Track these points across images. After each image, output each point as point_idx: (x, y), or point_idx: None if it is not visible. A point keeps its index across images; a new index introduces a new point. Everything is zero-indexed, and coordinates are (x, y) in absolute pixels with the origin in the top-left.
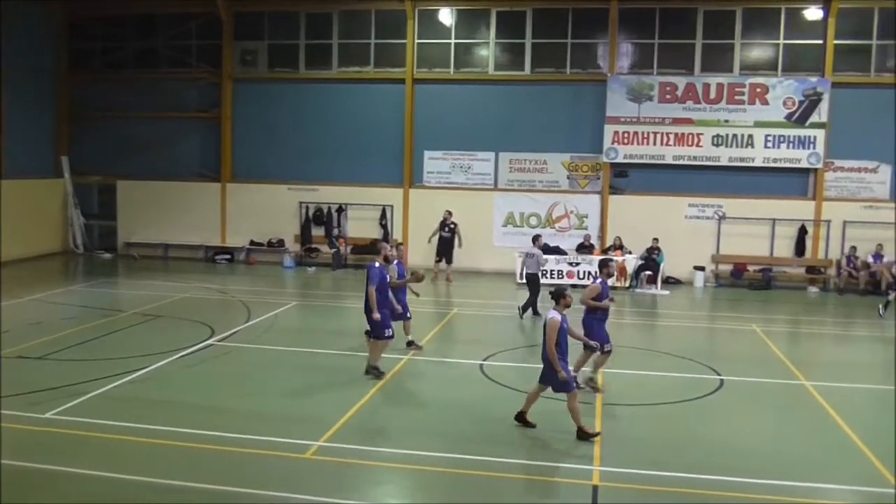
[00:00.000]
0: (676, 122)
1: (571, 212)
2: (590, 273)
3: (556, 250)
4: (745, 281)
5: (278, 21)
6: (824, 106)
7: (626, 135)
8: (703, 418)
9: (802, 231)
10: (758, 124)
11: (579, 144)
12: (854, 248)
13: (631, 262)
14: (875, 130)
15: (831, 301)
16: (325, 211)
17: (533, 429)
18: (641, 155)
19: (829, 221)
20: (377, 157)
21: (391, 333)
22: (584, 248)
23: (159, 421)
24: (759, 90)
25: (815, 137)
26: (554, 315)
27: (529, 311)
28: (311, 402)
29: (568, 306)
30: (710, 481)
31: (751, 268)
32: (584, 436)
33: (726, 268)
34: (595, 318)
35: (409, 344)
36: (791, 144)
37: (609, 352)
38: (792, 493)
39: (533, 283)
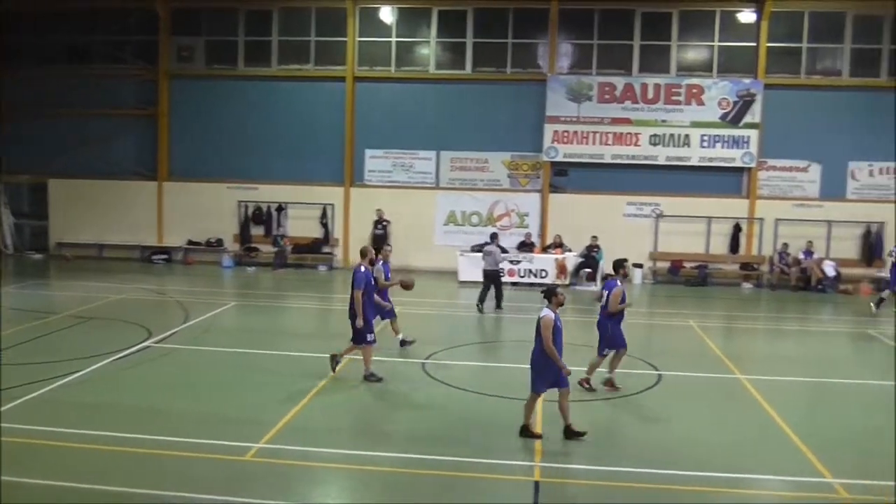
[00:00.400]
0: (615, 121)
1: (512, 210)
2: (530, 271)
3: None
4: (681, 278)
5: (216, 17)
6: (757, 107)
7: (565, 134)
8: (642, 412)
9: (737, 229)
10: (694, 124)
11: (520, 143)
12: (786, 246)
13: (570, 259)
14: (806, 131)
15: (764, 297)
16: (265, 210)
17: (539, 438)
18: (581, 154)
19: (762, 219)
20: (318, 155)
21: (373, 339)
22: (525, 246)
23: (96, 425)
24: (695, 91)
25: (748, 137)
26: (547, 313)
27: (494, 305)
28: (250, 403)
29: (560, 305)
30: (650, 474)
31: (687, 265)
32: (571, 434)
33: (664, 265)
34: (612, 319)
35: (402, 343)
36: (726, 144)
37: (605, 356)
38: (729, 484)
39: (491, 278)
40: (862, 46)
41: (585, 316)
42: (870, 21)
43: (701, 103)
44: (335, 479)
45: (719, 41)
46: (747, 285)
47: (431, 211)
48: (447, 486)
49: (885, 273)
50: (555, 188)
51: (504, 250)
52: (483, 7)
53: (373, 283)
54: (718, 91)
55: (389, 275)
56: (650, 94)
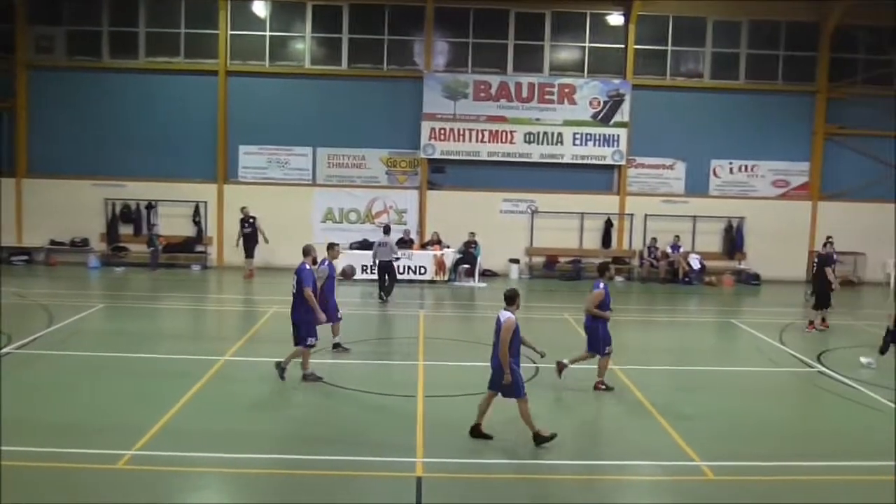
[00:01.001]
0: (491, 119)
1: (391, 207)
2: (409, 268)
3: None
4: (556, 272)
5: (78, 5)
6: (626, 106)
7: (442, 131)
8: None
9: (608, 224)
10: (566, 123)
11: (397, 140)
12: (654, 240)
13: (449, 256)
14: (672, 130)
15: (635, 289)
16: (134, 208)
17: (490, 440)
18: (458, 151)
19: (632, 215)
20: (189, 151)
21: (314, 342)
22: (404, 243)
23: None
24: (567, 90)
25: (618, 136)
26: (510, 316)
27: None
28: (121, 409)
29: (518, 308)
30: (527, 465)
31: (562, 259)
32: (541, 440)
33: (539, 260)
34: (600, 322)
35: (336, 346)
36: (597, 142)
37: (609, 353)
38: (604, 471)
39: (385, 269)
40: (722, 50)
41: (465, 311)
42: (729, 26)
43: (573, 102)
44: (213, 483)
45: (590, 42)
46: (619, 279)
47: (309, 208)
48: (327, 486)
49: (744, 265)
50: (432, 185)
51: (407, 242)
52: (359, 3)
53: (316, 282)
54: (589, 91)
55: (335, 273)
56: (524, 93)
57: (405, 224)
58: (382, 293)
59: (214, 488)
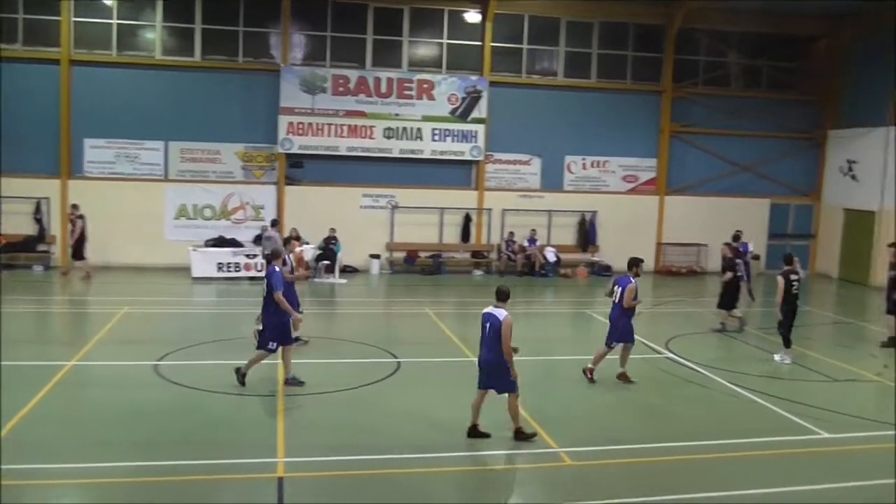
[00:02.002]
0: (350, 114)
1: (247, 203)
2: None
3: (233, 242)
4: (417, 267)
5: None
6: (484, 103)
7: (300, 126)
8: (384, 400)
9: (467, 219)
10: (425, 118)
11: (254, 135)
12: (512, 234)
13: (309, 252)
14: (528, 127)
15: (494, 282)
16: None
17: (488, 438)
18: (316, 146)
19: (490, 210)
20: (28, 144)
21: (275, 347)
22: (262, 239)
23: None
24: (425, 86)
25: (476, 132)
26: (507, 314)
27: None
28: None
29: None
30: (394, 460)
31: (422, 254)
32: (522, 437)
33: (400, 255)
34: (625, 314)
35: (295, 339)
36: (455, 138)
37: (631, 346)
38: (467, 462)
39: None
40: (574, 50)
41: (325, 308)
42: (581, 27)
43: (431, 98)
44: (64, 495)
45: (448, 39)
46: (478, 272)
47: (161, 205)
48: (186, 491)
49: (597, 257)
50: (290, 180)
51: (237, 244)
52: None
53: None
54: (448, 87)
55: (292, 267)
56: (383, 88)
57: (263, 220)
58: None
59: (67, 501)
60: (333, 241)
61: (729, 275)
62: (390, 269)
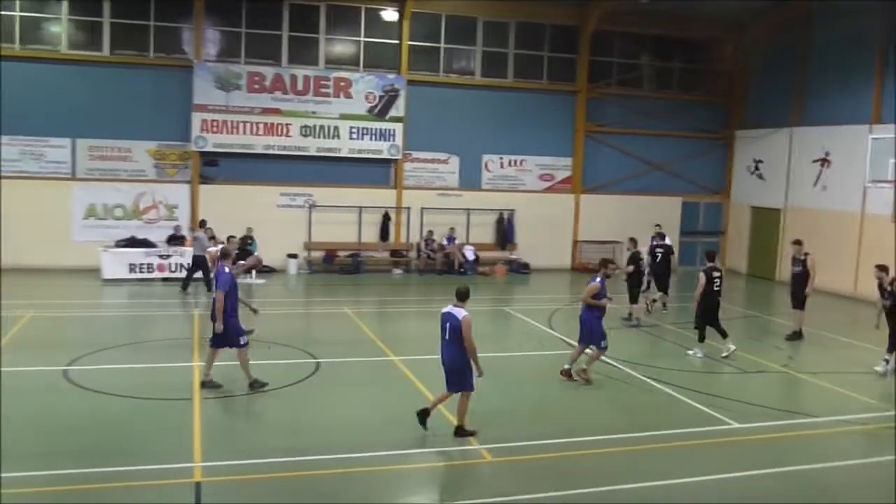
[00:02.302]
0: (265, 111)
1: (160, 202)
2: (182, 265)
3: (145, 243)
4: (336, 266)
5: None
6: (401, 101)
7: (215, 123)
8: (302, 402)
9: (386, 218)
10: (343, 117)
11: (166, 132)
12: (431, 232)
13: None
14: (446, 126)
15: (413, 281)
16: None
17: (472, 435)
18: (232, 144)
19: (409, 208)
20: None
21: (246, 341)
22: (176, 239)
23: None
24: (343, 84)
25: (394, 130)
26: (467, 314)
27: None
28: None
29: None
30: (314, 461)
31: (341, 253)
32: (463, 433)
33: (318, 254)
34: (594, 315)
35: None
36: (373, 136)
37: (605, 348)
38: (387, 461)
39: (197, 264)
40: (491, 49)
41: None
42: (498, 26)
43: (349, 96)
44: None
45: (365, 37)
46: (397, 271)
47: (68, 204)
48: (100, 500)
49: (515, 255)
50: (205, 179)
51: (150, 244)
52: None
53: (237, 284)
54: (365, 85)
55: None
56: (300, 86)
57: (176, 220)
58: (183, 289)
59: None
60: (250, 241)
61: (630, 268)
62: (308, 269)
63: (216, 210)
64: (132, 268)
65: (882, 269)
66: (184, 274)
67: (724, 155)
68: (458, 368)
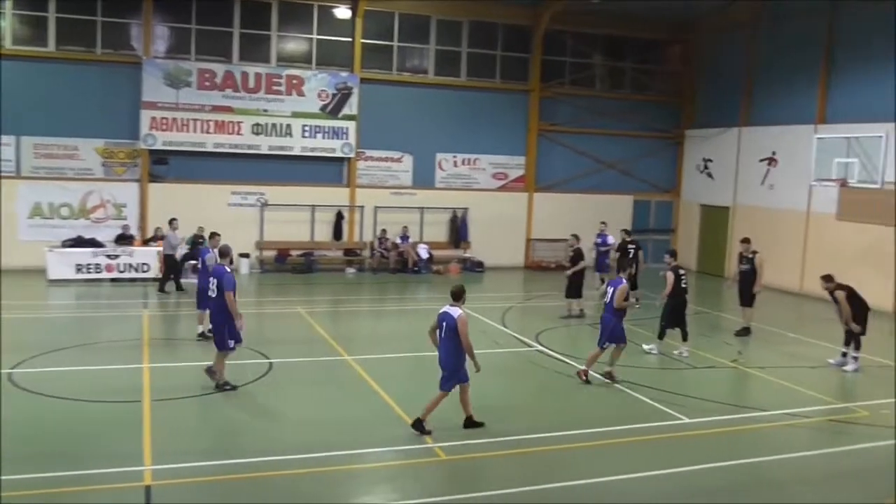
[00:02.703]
0: (216, 109)
1: (108, 201)
2: (131, 265)
3: (93, 243)
4: (288, 265)
5: None
6: (354, 99)
7: (164, 121)
8: (255, 402)
9: (339, 216)
10: (295, 115)
11: (114, 130)
12: (384, 231)
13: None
14: (399, 124)
15: (367, 280)
16: None
17: (482, 426)
18: (182, 142)
19: (362, 207)
20: None
21: (234, 346)
22: (124, 239)
23: None
24: (295, 82)
25: (347, 129)
26: (461, 313)
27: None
28: None
29: (464, 303)
30: (266, 462)
31: (294, 252)
32: (472, 424)
33: (271, 253)
34: (617, 315)
35: (202, 336)
36: (326, 135)
37: (624, 346)
38: (342, 461)
39: (167, 263)
40: (445, 48)
41: (193, 309)
42: (451, 25)
43: (301, 94)
44: None
45: (318, 35)
46: (351, 270)
47: (12, 203)
48: None
49: (469, 254)
50: (154, 177)
51: (98, 244)
52: None
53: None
54: (318, 83)
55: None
56: (251, 83)
57: (125, 219)
58: (161, 289)
59: None
60: (201, 241)
61: (581, 265)
62: (260, 268)
63: (166, 209)
64: (79, 268)
65: (828, 279)
66: (133, 275)
67: (674, 154)
68: (453, 365)
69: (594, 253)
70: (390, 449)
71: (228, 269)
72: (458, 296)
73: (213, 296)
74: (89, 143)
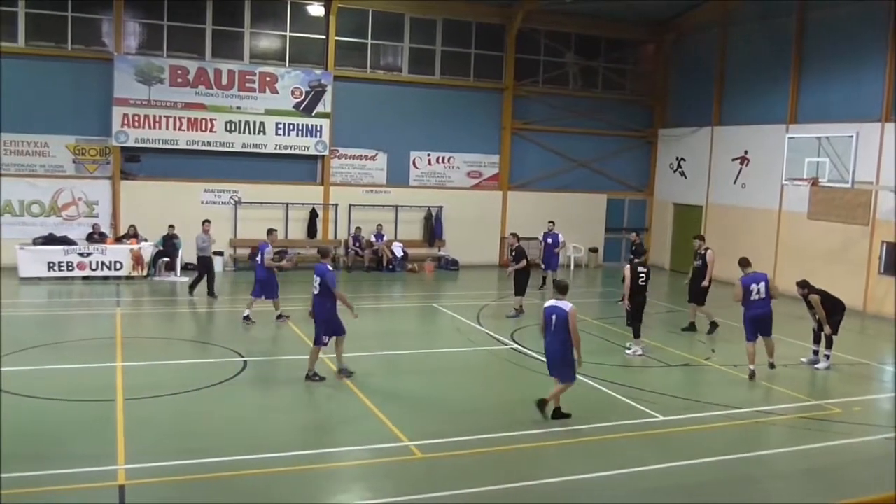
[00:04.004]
0: (189, 106)
1: (80, 198)
2: (103, 263)
3: (64, 240)
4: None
5: None
6: (328, 97)
7: (136, 118)
8: (229, 401)
9: (313, 214)
10: (269, 112)
11: (85, 127)
12: (359, 229)
13: (148, 249)
14: (373, 122)
15: (341, 278)
16: None
17: (569, 417)
18: (154, 139)
19: (336, 205)
20: None
21: (327, 341)
22: (96, 237)
23: None
24: (268, 79)
25: (321, 126)
26: (572, 306)
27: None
28: None
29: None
30: (240, 461)
31: None
32: (560, 416)
33: (244, 251)
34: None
35: (279, 317)
36: (300, 132)
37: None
38: (317, 460)
39: (200, 266)
40: (419, 46)
41: (166, 308)
42: (425, 23)
43: (275, 91)
44: None
45: (291, 32)
46: None
47: None
48: None
49: (443, 252)
50: (126, 174)
51: (69, 241)
52: None
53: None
54: (291, 80)
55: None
56: (224, 80)
57: (96, 216)
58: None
59: None
60: (175, 238)
61: (523, 262)
62: (234, 267)
63: (137, 207)
64: (50, 266)
65: (802, 285)
66: (106, 273)
67: (647, 153)
68: (564, 358)
69: (542, 249)
70: (366, 447)
71: (330, 268)
72: (565, 289)
73: (316, 293)
74: (60, 140)
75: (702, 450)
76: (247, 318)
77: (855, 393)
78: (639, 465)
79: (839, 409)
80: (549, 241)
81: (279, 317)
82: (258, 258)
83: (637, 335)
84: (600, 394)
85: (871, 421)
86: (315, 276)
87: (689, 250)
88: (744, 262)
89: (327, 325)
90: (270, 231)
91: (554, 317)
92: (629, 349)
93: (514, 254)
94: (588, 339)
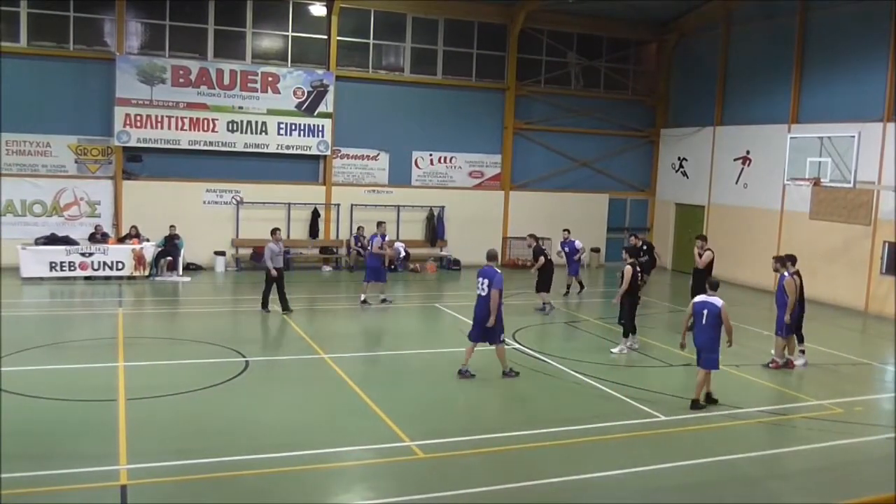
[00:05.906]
0: (191, 106)
1: (81, 198)
2: (105, 263)
3: (66, 240)
4: (264, 264)
5: None
6: (330, 97)
7: (138, 118)
8: (231, 401)
9: (315, 214)
10: (270, 112)
11: (87, 126)
12: (361, 229)
13: (149, 249)
14: (375, 122)
15: (343, 278)
16: None
17: (706, 407)
18: (156, 139)
19: (338, 205)
20: None
21: (504, 338)
22: (98, 237)
23: None
24: (270, 79)
25: (323, 126)
26: (723, 302)
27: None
28: None
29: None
30: (241, 461)
31: None
32: (698, 406)
33: (246, 251)
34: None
35: (384, 301)
36: (302, 132)
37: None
38: (318, 460)
39: (268, 279)
40: (421, 46)
41: (168, 307)
42: (427, 23)
43: (277, 91)
44: None
45: (293, 31)
46: (327, 268)
47: None
48: None
49: (445, 252)
50: (128, 175)
51: (72, 241)
52: None
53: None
54: (293, 80)
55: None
56: (226, 80)
57: (98, 216)
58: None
59: None
60: (177, 239)
61: (541, 260)
62: (236, 266)
63: (140, 207)
64: (52, 266)
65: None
66: (108, 273)
67: (649, 153)
68: (712, 348)
69: (563, 258)
70: (367, 447)
71: (498, 271)
72: (716, 286)
73: (483, 294)
74: (62, 140)
75: (703, 450)
76: (364, 301)
77: (856, 393)
78: (640, 465)
79: (841, 410)
80: (567, 249)
81: (383, 300)
82: (369, 248)
83: (626, 334)
84: (603, 393)
85: (873, 421)
86: (482, 279)
87: (691, 250)
88: (793, 260)
89: (500, 324)
90: (274, 230)
91: (706, 311)
92: (614, 351)
93: (533, 252)
94: (590, 338)
